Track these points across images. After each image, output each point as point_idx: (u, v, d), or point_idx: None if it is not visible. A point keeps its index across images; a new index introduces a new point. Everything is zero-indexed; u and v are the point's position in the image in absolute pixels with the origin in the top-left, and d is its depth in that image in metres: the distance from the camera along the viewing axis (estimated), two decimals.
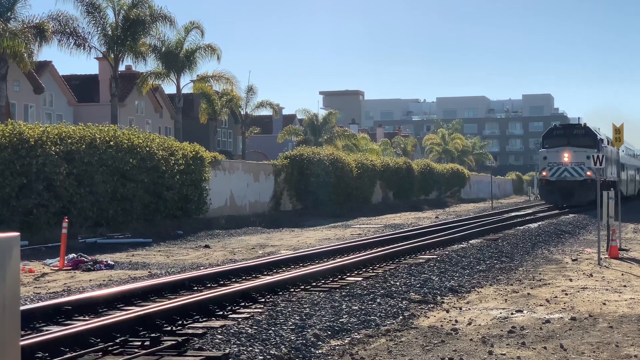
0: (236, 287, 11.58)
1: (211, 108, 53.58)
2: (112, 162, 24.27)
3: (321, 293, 11.64)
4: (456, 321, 10.31)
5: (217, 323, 9.21)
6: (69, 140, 22.85)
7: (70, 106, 54.60)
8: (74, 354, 7.54)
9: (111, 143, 24.48)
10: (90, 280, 14.39)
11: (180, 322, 9.17)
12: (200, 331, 8.68)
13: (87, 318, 9.52)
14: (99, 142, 24.02)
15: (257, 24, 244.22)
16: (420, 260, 16.47)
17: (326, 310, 10.33)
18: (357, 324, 9.92)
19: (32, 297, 11.87)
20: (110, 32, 39.31)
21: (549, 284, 14.12)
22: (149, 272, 15.62)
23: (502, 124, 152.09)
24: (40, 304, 10.02)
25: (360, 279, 13.43)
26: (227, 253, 20.07)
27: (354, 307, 10.77)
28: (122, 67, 45.39)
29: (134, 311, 9.41)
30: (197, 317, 9.53)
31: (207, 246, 22.10)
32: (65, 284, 13.93)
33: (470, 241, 21.32)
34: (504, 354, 8.33)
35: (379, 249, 18.13)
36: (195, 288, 12.22)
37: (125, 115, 53.86)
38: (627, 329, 9.79)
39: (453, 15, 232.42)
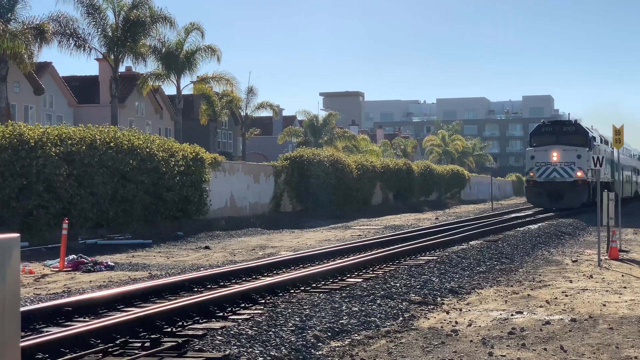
0: (236, 288, 11.58)
1: (211, 109, 53.60)
2: (112, 163, 24.28)
3: (321, 294, 11.64)
4: (456, 322, 10.31)
5: (217, 324, 9.21)
6: (69, 142, 22.86)
7: (71, 107, 54.65)
8: (74, 355, 7.54)
9: (111, 144, 24.49)
10: (91, 281, 14.39)
11: (180, 324, 9.18)
12: (200, 332, 8.68)
13: (87, 319, 9.53)
14: (99, 143, 24.03)
15: (257, 24, 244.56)
16: (421, 262, 16.47)
17: (326, 312, 10.34)
18: (357, 325, 9.92)
19: (32, 298, 11.87)
20: (110, 33, 39.33)
21: (549, 285, 14.12)
22: (149, 273, 15.62)
23: (502, 125, 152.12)
24: (41, 305, 10.02)
25: (360, 280, 13.43)
26: (227, 254, 20.07)
27: (354, 309, 10.78)
28: (122, 68, 45.47)
29: (134, 312, 9.41)
30: (197, 318, 9.53)
31: (207, 247, 22.10)
32: (65, 285, 13.93)
33: (470, 242, 21.32)
34: (504, 356, 8.33)
35: (379, 250, 18.14)
36: (196, 289, 12.22)
37: (126, 116, 53.91)
38: (627, 330, 9.79)
39: (453, 15, 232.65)
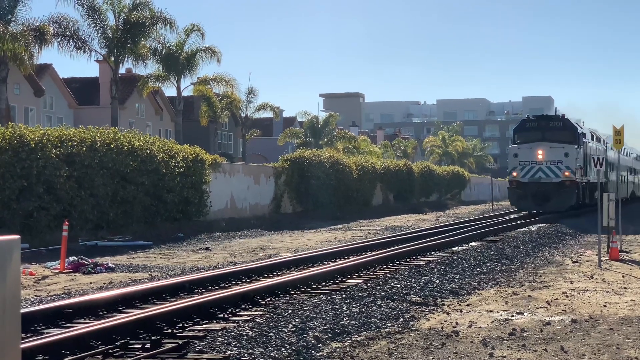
0: (237, 289, 11.58)
1: (211, 110, 53.63)
2: (113, 165, 24.28)
3: (322, 295, 11.63)
4: (457, 323, 10.31)
5: (217, 325, 9.21)
6: (70, 143, 22.86)
7: (71, 109, 54.68)
8: (75, 356, 7.55)
9: (111, 146, 24.49)
10: (91, 282, 14.39)
11: (180, 325, 9.18)
12: (200, 334, 8.68)
13: (87, 321, 9.53)
14: (100, 144, 24.04)
15: (257, 24, 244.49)
16: (421, 263, 16.47)
17: (327, 313, 10.34)
18: (357, 326, 9.92)
19: (32, 299, 11.87)
20: (110, 35, 39.33)
21: (550, 286, 14.12)
22: (150, 274, 15.63)
23: (503, 126, 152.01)
24: (41, 306, 10.03)
25: (360, 281, 13.43)
26: (228, 255, 20.07)
27: (355, 310, 10.77)
28: (122, 70, 45.41)
29: (134, 314, 9.41)
30: (198, 319, 9.53)
31: (207, 249, 22.10)
32: (65, 286, 13.93)
33: (470, 243, 21.32)
34: (505, 356, 8.33)
35: (380, 251, 18.14)
36: (196, 291, 12.23)
37: (126, 117, 53.96)
38: (627, 331, 9.79)
39: (453, 15, 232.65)
